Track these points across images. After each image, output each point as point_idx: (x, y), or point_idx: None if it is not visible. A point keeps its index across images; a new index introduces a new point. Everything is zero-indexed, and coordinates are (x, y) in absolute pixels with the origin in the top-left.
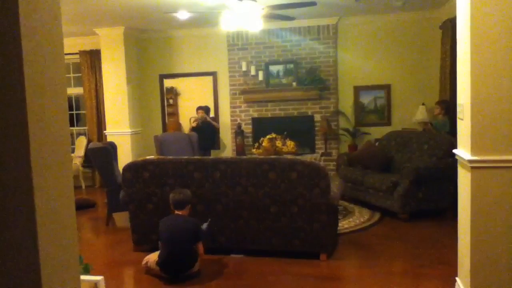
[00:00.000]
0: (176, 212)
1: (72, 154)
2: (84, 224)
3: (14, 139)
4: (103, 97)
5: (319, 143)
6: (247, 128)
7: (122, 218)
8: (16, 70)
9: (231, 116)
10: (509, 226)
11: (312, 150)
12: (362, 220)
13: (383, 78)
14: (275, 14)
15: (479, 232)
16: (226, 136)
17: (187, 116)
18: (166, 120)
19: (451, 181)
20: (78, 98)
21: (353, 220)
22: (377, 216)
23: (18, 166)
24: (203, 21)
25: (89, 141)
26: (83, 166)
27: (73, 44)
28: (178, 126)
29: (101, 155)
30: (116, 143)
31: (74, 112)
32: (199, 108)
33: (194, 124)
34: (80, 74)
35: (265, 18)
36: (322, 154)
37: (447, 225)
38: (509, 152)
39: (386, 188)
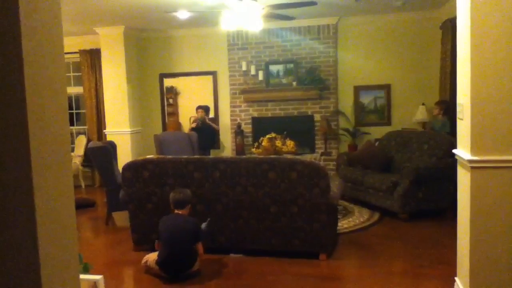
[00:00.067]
0: (176, 211)
1: (72, 154)
2: (83, 223)
3: (14, 138)
4: (103, 96)
5: (319, 143)
6: (247, 128)
7: (121, 218)
8: (16, 69)
9: (231, 115)
10: (509, 226)
11: (312, 150)
12: (361, 220)
13: (383, 78)
14: (275, 14)
15: (478, 232)
16: (226, 135)
17: (187, 116)
18: (166, 120)
19: (451, 181)
20: (78, 97)
21: (353, 220)
22: (376, 216)
23: (18, 166)
24: (203, 20)
25: (89, 141)
26: (82, 165)
27: (73, 44)
28: (178, 126)
29: (101, 154)
30: (116, 142)
31: (74, 111)
32: (199, 107)
33: (193, 125)
34: (80, 73)
35: (265, 17)
36: (322, 154)
37: (447, 225)
38: (509, 152)
39: (386, 188)
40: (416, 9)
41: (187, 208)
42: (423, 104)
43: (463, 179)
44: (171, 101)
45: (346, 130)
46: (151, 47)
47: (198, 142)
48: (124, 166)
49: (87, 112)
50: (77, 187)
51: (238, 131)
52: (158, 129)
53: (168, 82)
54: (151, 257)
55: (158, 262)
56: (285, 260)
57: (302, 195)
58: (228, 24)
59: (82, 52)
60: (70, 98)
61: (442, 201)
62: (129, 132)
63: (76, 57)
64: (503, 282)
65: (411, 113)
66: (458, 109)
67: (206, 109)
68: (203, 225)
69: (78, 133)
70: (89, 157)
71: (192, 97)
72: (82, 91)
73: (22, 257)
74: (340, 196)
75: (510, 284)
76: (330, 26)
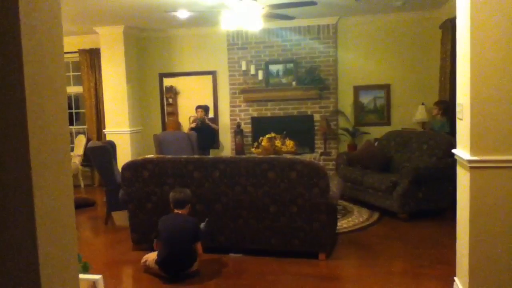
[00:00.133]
0: (176, 211)
1: (71, 153)
2: (83, 223)
3: (14, 138)
4: (102, 96)
5: (319, 143)
6: (247, 128)
7: (121, 217)
8: (16, 69)
9: (231, 115)
10: (508, 226)
11: (312, 150)
12: (361, 220)
13: (382, 78)
14: (275, 14)
15: (477, 232)
16: (226, 135)
17: (186, 115)
18: (166, 119)
19: (451, 181)
20: (77, 97)
21: (352, 219)
22: (376, 216)
23: (18, 166)
24: (203, 20)
25: (88, 140)
26: (82, 165)
27: (72, 43)
28: (178, 125)
29: (101, 154)
30: (115, 142)
31: (74, 110)
32: (199, 107)
33: (192, 125)
34: (79, 73)
35: (265, 17)
36: (322, 154)
37: (446, 225)
38: (508, 152)
39: (386, 188)
40: (416, 9)
41: (187, 207)
42: (422, 104)
43: (463, 179)
44: (170, 100)
45: (346, 130)
46: (150, 47)
47: (198, 141)
48: (123, 166)
49: (86, 111)
50: (76, 186)
51: (238, 131)
52: (158, 129)
53: (167, 82)
54: (151, 256)
55: (158, 261)
56: (284, 260)
57: (301, 195)
58: (228, 23)
59: (82, 52)
60: (69, 98)
61: (442, 201)
62: (129, 132)
63: (76, 57)
64: (502, 282)
65: (411, 113)
66: (458, 109)
67: (205, 108)
68: (202, 226)
69: (78, 133)
70: (89, 156)
71: (191, 97)
72: (82, 90)
73: (21, 257)
74: (340, 196)
75: (509, 284)
76: (330, 26)
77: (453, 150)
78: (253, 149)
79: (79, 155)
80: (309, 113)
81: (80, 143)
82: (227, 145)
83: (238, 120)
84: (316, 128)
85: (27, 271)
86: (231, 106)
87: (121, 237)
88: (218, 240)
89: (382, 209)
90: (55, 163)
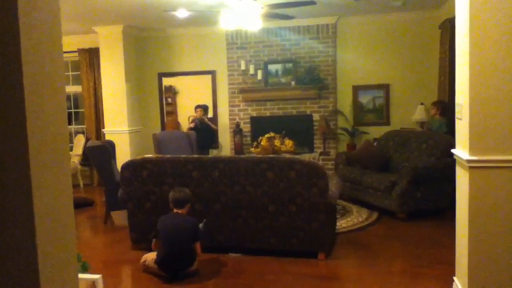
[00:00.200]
0: (175, 210)
1: (71, 153)
2: (82, 222)
3: (13, 138)
4: (101, 95)
5: (318, 142)
6: (246, 127)
7: (120, 217)
8: (15, 69)
9: (230, 115)
10: (507, 226)
11: (311, 149)
12: (360, 219)
13: (382, 78)
14: (275, 13)
15: (477, 232)
16: (225, 135)
17: (185, 115)
18: (165, 119)
19: (450, 181)
20: (76, 96)
21: (351, 219)
22: (375, 215)
23: (17, 165)
24: (202, 19)
25: (87, 140)
26: (81, 164)
27: (72, 42)
28: (177, 125)
29: (100, 153)
30: (114, 141)
31: (73, 110)
32: (198, 106)
33: (192, 125)
34: (78, 72)
35: (264, 17)
36: (321, 153)
37: (445, 225)
38: (507, 152)
39: (385, 188)
40: (415, 9)
41: (186, 207)
42: (421, 104)
43: (462, 179)
44: (169, 100)
45: (345, 129)
46: (150, 46)
47: (197, 141)
48: (123, 165)
49: (85, 111)
50: (75, 186)
51: (237, 131)
52: (157, 128)
53: (167, 81)
54: (150, 256)
55: (157, 261)
56: (283, 260)
57: (300, 195)
58: (227, 23)
59: (81, 51)
60: (68, 97)
61: (441, 201)
62: (128, 131)
63: (75, 56)
64: (502, 282)
65: (410, 112)
66: (457, 109)
67: (205, 108)
68: (200, 226)
69: (77, 132)
70: (88, 156)
71: (191, 97)
72: (81, 90)
73: (20, 257)
74: (339, 195)
75: (509, 284)
76: (329, 25)
77: (452, 150)
78: (252, 149)
79: (78, 155)
80: (308, 112)
81: (79, 142)
82: (226, 145)
83: (237, 120)
84: (315, 127)
85: (26, 271)
86: (230, 106)
87: (120, 236)
88: (217, 240)
89: (381, 209)
90: (54, 162)
